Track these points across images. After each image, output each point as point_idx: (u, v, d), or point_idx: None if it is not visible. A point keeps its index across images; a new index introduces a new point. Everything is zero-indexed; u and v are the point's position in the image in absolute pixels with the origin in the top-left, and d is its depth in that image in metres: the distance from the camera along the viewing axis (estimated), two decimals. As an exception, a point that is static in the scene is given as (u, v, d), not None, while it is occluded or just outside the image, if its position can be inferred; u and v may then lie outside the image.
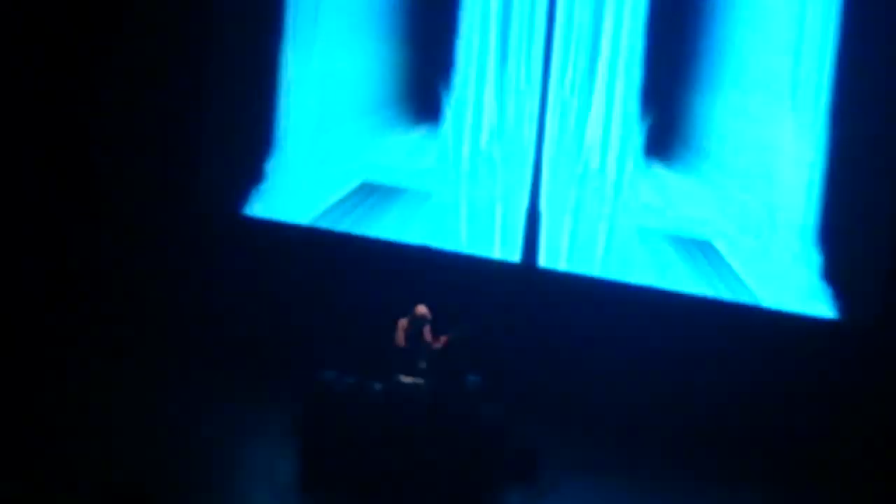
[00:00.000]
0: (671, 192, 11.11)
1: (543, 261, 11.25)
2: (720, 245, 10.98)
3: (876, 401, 10.40)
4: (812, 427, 10.49)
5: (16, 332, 11.17)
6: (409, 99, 11.60)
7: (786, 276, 10.72)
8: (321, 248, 11.62)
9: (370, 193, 11.80)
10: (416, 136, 11.59)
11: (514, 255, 11.34)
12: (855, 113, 10.35)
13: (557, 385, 10.90)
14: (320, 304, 11.45)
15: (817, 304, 10.62)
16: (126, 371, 11.05)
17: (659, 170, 11.10)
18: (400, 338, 10.04)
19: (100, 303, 11.81)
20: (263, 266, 11.69)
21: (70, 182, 11.96)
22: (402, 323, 10.08)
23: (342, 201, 11.81)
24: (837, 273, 10.53)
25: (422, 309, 10.09)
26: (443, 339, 9.94)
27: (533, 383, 10.78)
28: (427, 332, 10.06)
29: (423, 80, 11.49)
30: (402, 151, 11.65)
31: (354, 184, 11.83)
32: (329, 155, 11.78)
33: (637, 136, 11.01)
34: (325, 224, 11.71)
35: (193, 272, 11.75)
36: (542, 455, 9.87)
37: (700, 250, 11.02)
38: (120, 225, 11.94)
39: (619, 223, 11.14)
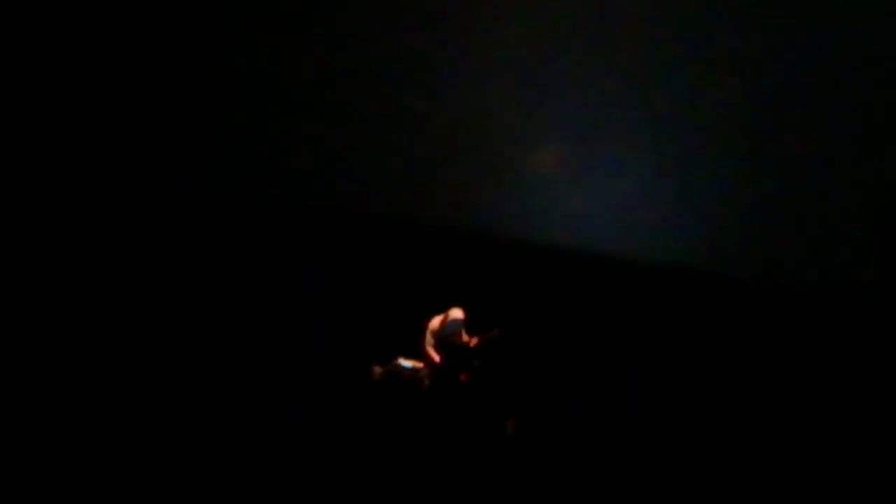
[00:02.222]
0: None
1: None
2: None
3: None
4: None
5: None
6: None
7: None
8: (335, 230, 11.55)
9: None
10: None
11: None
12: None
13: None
14: (334, 287, 11.36)
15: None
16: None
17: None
18: (430, 341, 9.73)
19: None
20: (274, 246, 11.62)
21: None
22: (434, 324, 9.75)
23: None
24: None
25: (456, 312, 9.73)
26: (474, 339, 9.67)
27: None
28: (461, 335, 9.73)
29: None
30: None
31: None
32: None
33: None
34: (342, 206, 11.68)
35: (208, 254, 11.71)
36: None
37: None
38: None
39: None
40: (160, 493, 9.15)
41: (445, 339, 9.42)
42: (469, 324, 9.57)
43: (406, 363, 9.54)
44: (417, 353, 9.62)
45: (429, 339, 9.57)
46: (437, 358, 9.51)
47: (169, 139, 11.76)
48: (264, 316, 11.30)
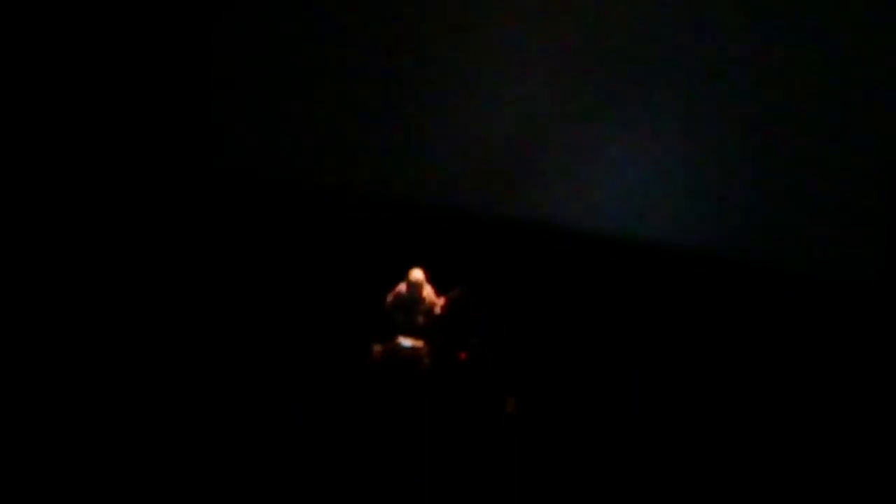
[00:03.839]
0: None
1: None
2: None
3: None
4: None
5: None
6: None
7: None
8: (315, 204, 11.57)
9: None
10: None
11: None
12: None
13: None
14: (315, 264, 11.33)
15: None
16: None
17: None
18: (393, 302, 9.69)
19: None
20: (275, 227, 11.61)
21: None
22: (400, 289, 9.75)
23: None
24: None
25: (416, 274, 9.75)
26: (441, 300, 9.69)
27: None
28: (425, 296, 9.73)
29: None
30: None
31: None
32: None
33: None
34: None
35: (207, 233, 11.70)
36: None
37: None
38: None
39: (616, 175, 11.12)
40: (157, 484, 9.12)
41: (409, 301, 9.42)
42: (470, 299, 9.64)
43: (406, 342, 9.51)
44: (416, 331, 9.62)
45: (398, 318, 9.54)
46: (420, 343, 9.49)
47: (169, 123, 11.80)
48: (264, 297, 11.34)
